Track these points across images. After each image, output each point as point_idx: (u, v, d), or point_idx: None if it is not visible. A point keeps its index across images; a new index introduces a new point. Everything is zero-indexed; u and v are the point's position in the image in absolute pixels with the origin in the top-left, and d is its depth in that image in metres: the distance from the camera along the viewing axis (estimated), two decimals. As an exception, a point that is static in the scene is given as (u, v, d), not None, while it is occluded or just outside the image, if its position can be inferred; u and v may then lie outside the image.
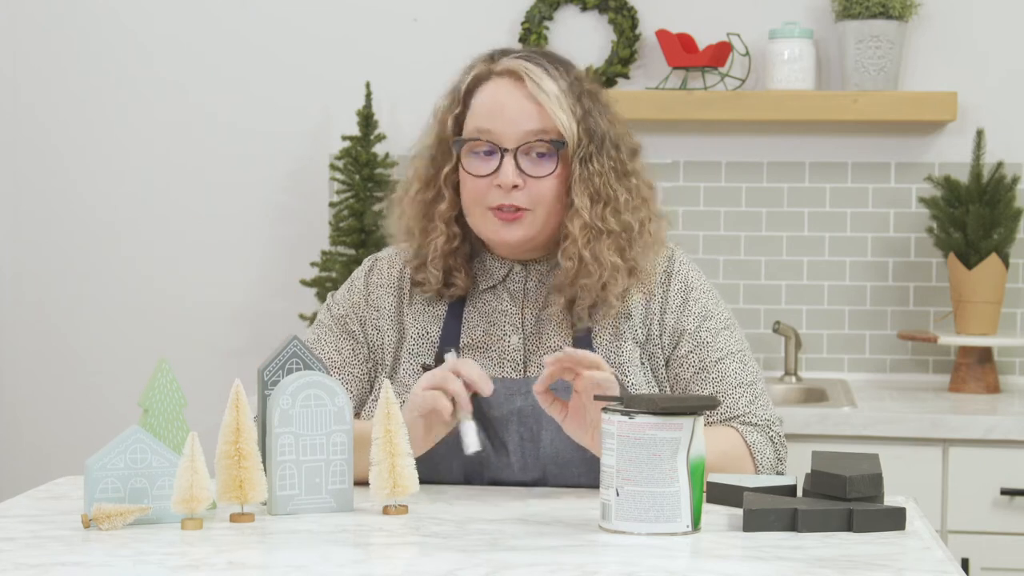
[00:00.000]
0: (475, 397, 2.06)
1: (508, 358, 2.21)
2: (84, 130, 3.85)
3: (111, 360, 3.85)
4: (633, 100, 3.45)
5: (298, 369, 2.00)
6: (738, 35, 3.61)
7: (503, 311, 2.23)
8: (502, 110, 2.16)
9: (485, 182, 2.17)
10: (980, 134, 3.49)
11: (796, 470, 2.13)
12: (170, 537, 1.80)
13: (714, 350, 2.20)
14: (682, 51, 3.54)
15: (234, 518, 1.88)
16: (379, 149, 3.68)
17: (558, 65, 2.21)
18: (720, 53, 3.54)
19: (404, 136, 3.66)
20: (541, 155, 2.17)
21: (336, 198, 3.69)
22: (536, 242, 2.20)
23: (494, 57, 2.22)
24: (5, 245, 3.88)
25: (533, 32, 3.67)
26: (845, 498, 1.89)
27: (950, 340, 3.43)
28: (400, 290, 2.27)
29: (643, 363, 2.21)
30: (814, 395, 3.45)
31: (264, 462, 1.90)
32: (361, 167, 3.61)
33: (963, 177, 3.50)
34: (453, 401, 2.02)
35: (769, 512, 1.84)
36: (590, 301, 2.18)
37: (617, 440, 1.81)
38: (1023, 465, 3.05)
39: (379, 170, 3.63)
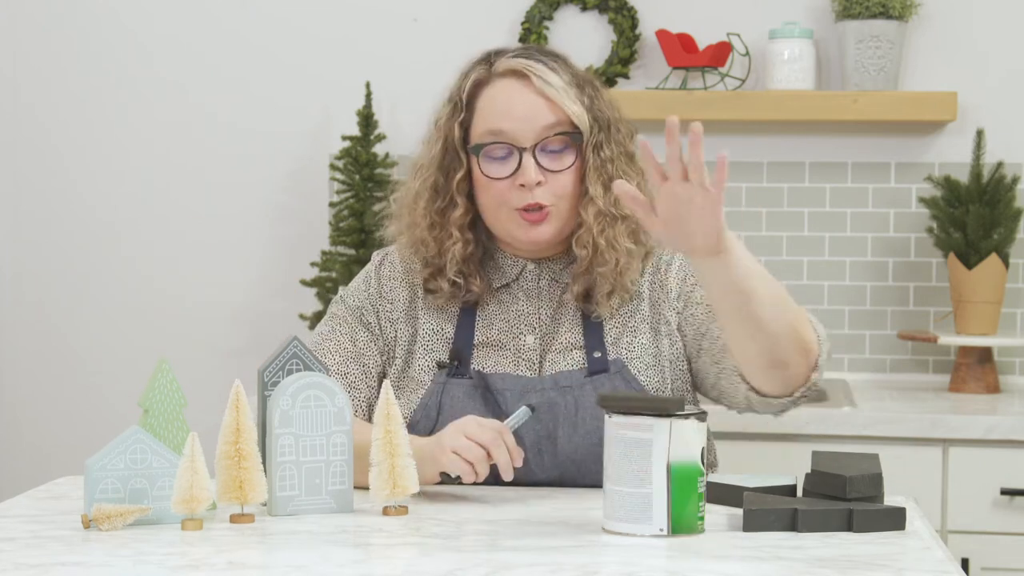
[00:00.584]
0: (493, 396, 2.08)
1: (524, 357, 2.21)
2: (84, 130, 3.85)
3: (111, 360, 3.85)
4: (633, 100, 3.45)
5: (298, 370, 2.00)
6: (738, 35, 3.61)
7: (519, 311, 2.23)
8: (513, 109, 2.17)
9: (506, 184, 2.17)
10: (980, 134, 3.49)
11: (796, 470, 2.13)
12: (170, 537, 1.80)
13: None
14: (682, 51, 3.54)
15: (234, 519, 1.88)
16: (379, 149, 3.68)
17: (554, 59, 2.23)
18: (720, 53, 3.54)
19: (404, 136, 3.66)
20: (555, 150, 2.18)
21: (336, 198, 3.69)
22: (562, 235, 2.21)
23: (490, 59, 2.23)
24: (5, 245, 3.88)
25: (533, 32, 3.67)
26: (845, 498, 1.89)
27: (950, 340, 3.43)
28: (412, 284, 2.27)
29: (657, 357, 2.21)
30: (814, 395, 3.45)
31: (264, 463, 1.91)
32: (361, 167, 3.61)
33: (963, 177, 3.50)
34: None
35: (769, 512, 1.84)
36: (608, 288, 2.19)
37: (605, 438, 1.82)
38: (1023, 465, 3.05)
39: (379, 170, 3.63)
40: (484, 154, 2.19)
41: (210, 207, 3.82)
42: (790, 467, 2.30)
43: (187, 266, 3.83)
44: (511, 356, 2.21)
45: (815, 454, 2.02)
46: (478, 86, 2.21)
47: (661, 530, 1.78)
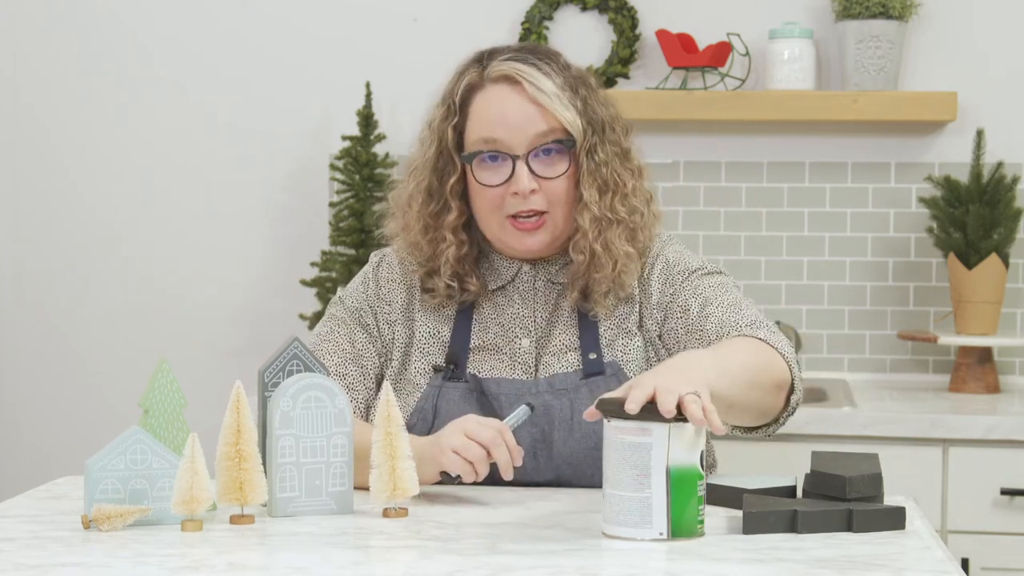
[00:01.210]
0: (489, 399, 2.07)
1: (519, 360, 2.21)
2: (84, 130, 3.85)
3: (111, 360, 3.85)
4: (633, 100, 3.45)
5: (299, 371, 2.00)
6: (738, 35, 3.61)
7: (514, 314, 2.23)
8: (505, 117, 2.16)
9: (499, 191, 2.17)
10: (980, 134, 3.49)
11: (796, 470, 2.13)
12: (170, 538, 1.80)
13: (695, 298, 2.18)
14: (682, 51, 3.54)
15: (234, 520, 1.88)
16: (379, 149, 3.68)
17: (547, 59, 2.20)
18: (720, 53, 3.54)
19: (404, 136, 3.66)
20: (549, 155, 2.17)
21: (336, 198, 3.69)
22: (557, 242, 2.21)
23: (483, 61, 2.21)
24: (5, 245, 3.88)
25: (533, 32, 3.67)
26: (845, 498, 1.89)
27: (950, 340, 3.43)
28: (410, 286, 2.27)
29: (649, 360, 2.20)
30: (814, 395, 3.45)
31: (264, 464, 1.90)
32: (361, 167, 3.61)
33: (963, 177, 3.50)
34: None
35: (769, 514, 1.84)
36: (605, 288, 2.18)
37: (604, 442, 1.81)
38: (1023, 465, 3.05)
39: (379, 170, 3.63)
40: (477, 161, 2.18)
41: (210, 207, 3.82)
42: (789, 467, 2.30)
43: (187, 266, 3.83)
44: (507, 360, 2.21)
45: (815, 454, 2.02)
46: (471, 90, 2.20)
47: (661, 534, 1.78)
